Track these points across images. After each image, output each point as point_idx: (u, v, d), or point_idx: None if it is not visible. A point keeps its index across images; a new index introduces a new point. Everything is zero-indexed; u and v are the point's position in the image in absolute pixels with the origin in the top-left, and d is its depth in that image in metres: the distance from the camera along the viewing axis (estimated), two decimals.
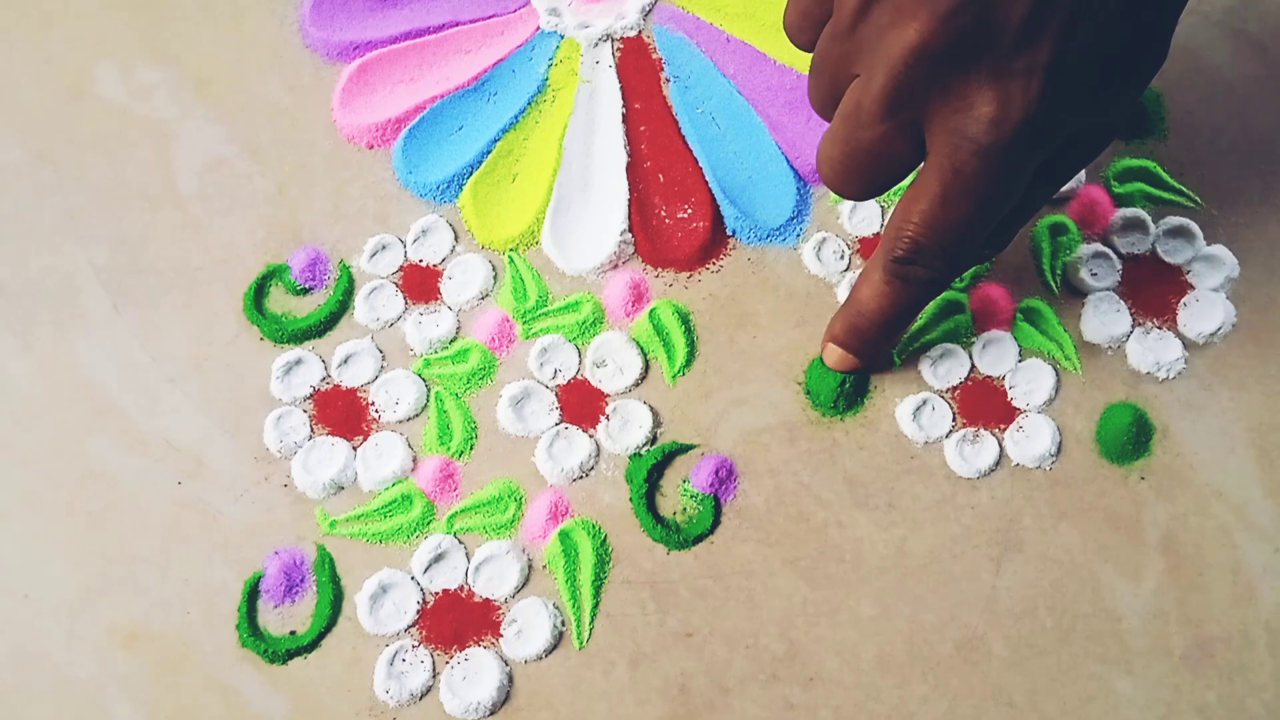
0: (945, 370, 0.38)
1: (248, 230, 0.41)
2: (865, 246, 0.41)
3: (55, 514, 0.36)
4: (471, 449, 0.37)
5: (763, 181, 0.42)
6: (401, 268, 0.40)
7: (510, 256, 0.41)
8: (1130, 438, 0.37)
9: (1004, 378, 0.38)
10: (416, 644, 0.35)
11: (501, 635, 0.35)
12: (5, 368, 0.39)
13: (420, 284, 0.40)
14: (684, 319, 0.39)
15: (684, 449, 0.37)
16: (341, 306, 0.40)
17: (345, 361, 0.39)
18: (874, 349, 0.37)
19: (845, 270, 0.40)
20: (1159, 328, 0.39)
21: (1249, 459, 0.37)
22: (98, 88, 0.44)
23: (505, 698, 0.34)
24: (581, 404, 0.38)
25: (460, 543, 0.36)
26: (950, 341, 0.39)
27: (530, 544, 0.36)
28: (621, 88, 0.44)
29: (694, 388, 0.38)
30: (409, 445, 0.37)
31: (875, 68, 0.30)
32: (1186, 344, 0.39)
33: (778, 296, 0.40)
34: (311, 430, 0.38)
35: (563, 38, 0.45)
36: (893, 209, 0.34)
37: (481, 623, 0.35)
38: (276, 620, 0.35)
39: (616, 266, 0.40)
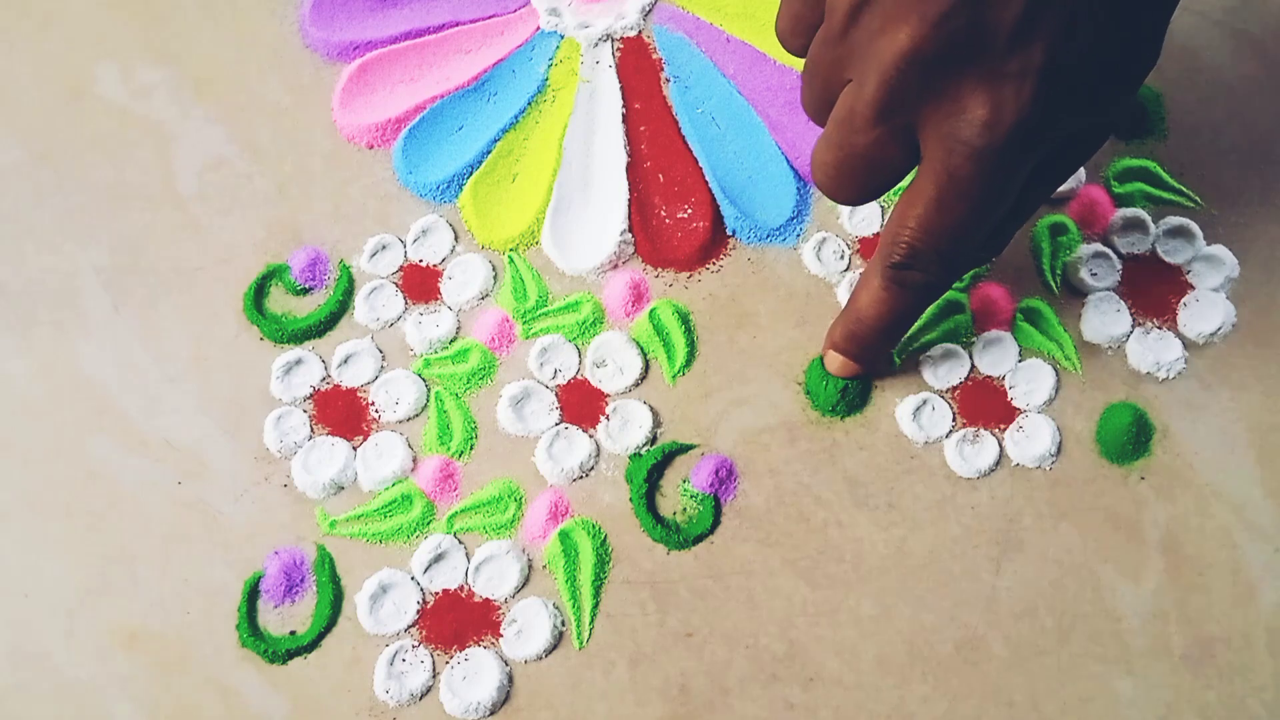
0: (945, 370, 0.38)
1: (248, 230, 0.41)
2: (865, 246, 0.41)
3: (55, 514, 0.36)
4: (471, 449, 0.37)
5: (763, 181, 0.42)
6: (401, 268, 0.40)
7: (510, 256, 0.41)
8: (1130, 438, 0.37)
9: (1004, 378, 0.38)
10: (416, 644, 0.35)
11: (501, 635, 0.35)
12: (5, 368, 0.39)
13: (420, 284, 0.40)
14: (684, 319, 0.39)
15: (684, 449, 0.37)
16: (341, 306, 0.40)
17: (345, 361, 0.39)
18: (874, 354, 0.37)
19: (845, 270, 0.40)
20: (1159, 328, 0.39)
21: (1249, 459, 0.37)
22: (98, 88, 0.44)
23: (505, 698, 0.34)
24: (581, 404, 0.38)
25: (460, 543, 0.36)
26: (950, 341, 0.39)
27: (530, 544, 0.36)
28: (621, 88, 0.44)
29: (694, 388, 0.38)
30: (409, 445, 0.37)
31: (867, 73, 0.30)
32: (1186, 344, 0.39)
33: (778, 296, 0.40)
34: (311, 430, 0.38)
35: (563, 38, 0.45)
36: (890, 212, 0.34)
37: (481, 623, 0.35)
38: (276, 620, 0.35)
39: (616, 266, 0.40)
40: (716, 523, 0.36)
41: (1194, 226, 0.40)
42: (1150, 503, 0.36)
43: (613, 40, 0.45)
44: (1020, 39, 0.28)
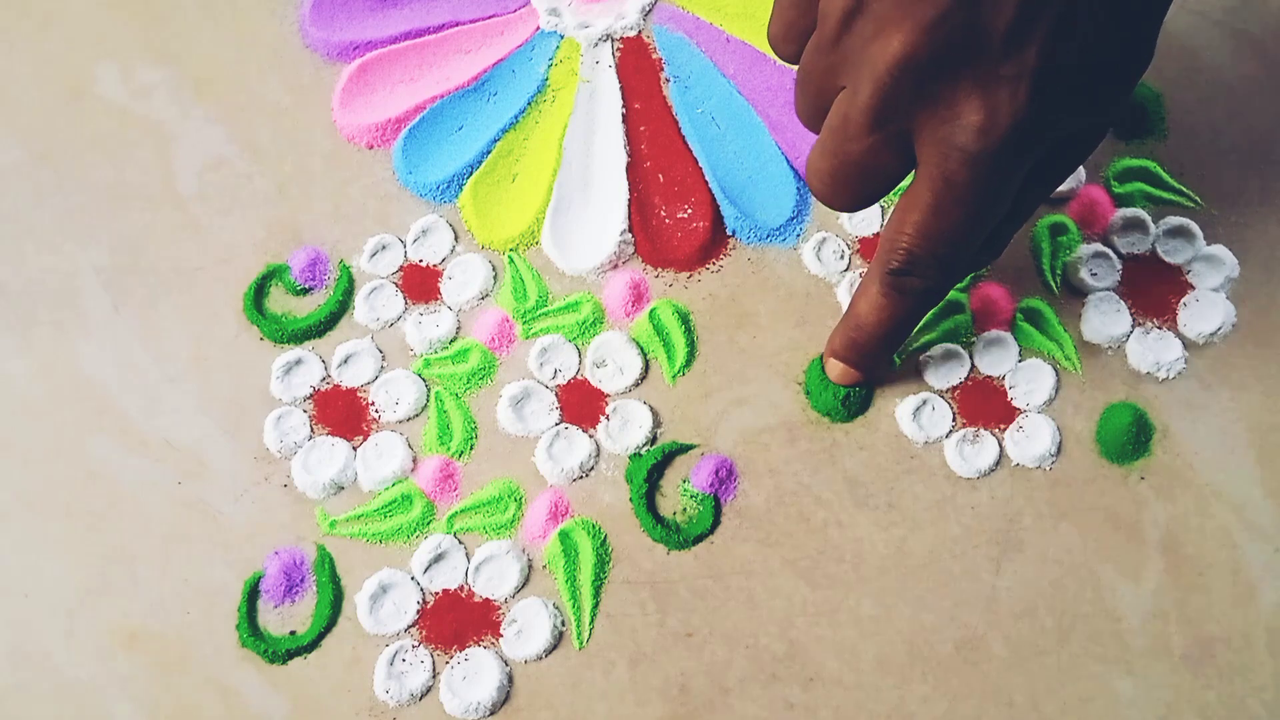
0: (945, 370, 0.38)
1: (248, 230, 0.41)
2: (865, 247, 0.41)
3: (55, 514, 0.36)
4: (471, 449, 0.37)
5: (763, 181, 0.42)
6: (401, 268, 0.40)
7: (510, 256, 0.41)
8: (1130, 438, 0.37)
9: (1004, 378, 0.38)
10: (416, 644, 0.35)
11: (501, 635, 0.35)
12: (5, 368, 0.39)
13: (420, 284, 0.40)
14: (684, 319, 0.39)
15: (684, 449, 0.37)
16: (341, 306, 0.40)
17: (345, 361, 0.39)
18: (875, 361, 0.37)
19: (845, 270, 0.40)
20: (1159, 328, 0.39)
21: (1249, 459, 0.37)
22: (98, 88, 0.44)
23: (505, 698, 0.34)
24: (581, 404, 0.38)
25: (460, 543, 0.36)
26: (950, 341, 0.39)
27: (530, 544, 0.36)
28: (621, 88, 0.44)
29: (694, 388, 0.38)
30: (409, 445, 0.37)
31: (861, 80, 0.30)
32: (1186, 344, 0.39)
33: (778, 296, 0.40)
34: (311, 430, 0.38)
35: (563, 38, 0.45)
36: (888, 216, 0.34)
37: (481, 623, 0.35)
38: (276, 620, 0.35)
39: (616, 266, 0.40)
40: (716, 523, 0.36)
41: (1194, 226, 0.40)
42: (1150, 503, 0.36)
43: (613, 40, 0.45)
44: (1014, 42, 0.28)
